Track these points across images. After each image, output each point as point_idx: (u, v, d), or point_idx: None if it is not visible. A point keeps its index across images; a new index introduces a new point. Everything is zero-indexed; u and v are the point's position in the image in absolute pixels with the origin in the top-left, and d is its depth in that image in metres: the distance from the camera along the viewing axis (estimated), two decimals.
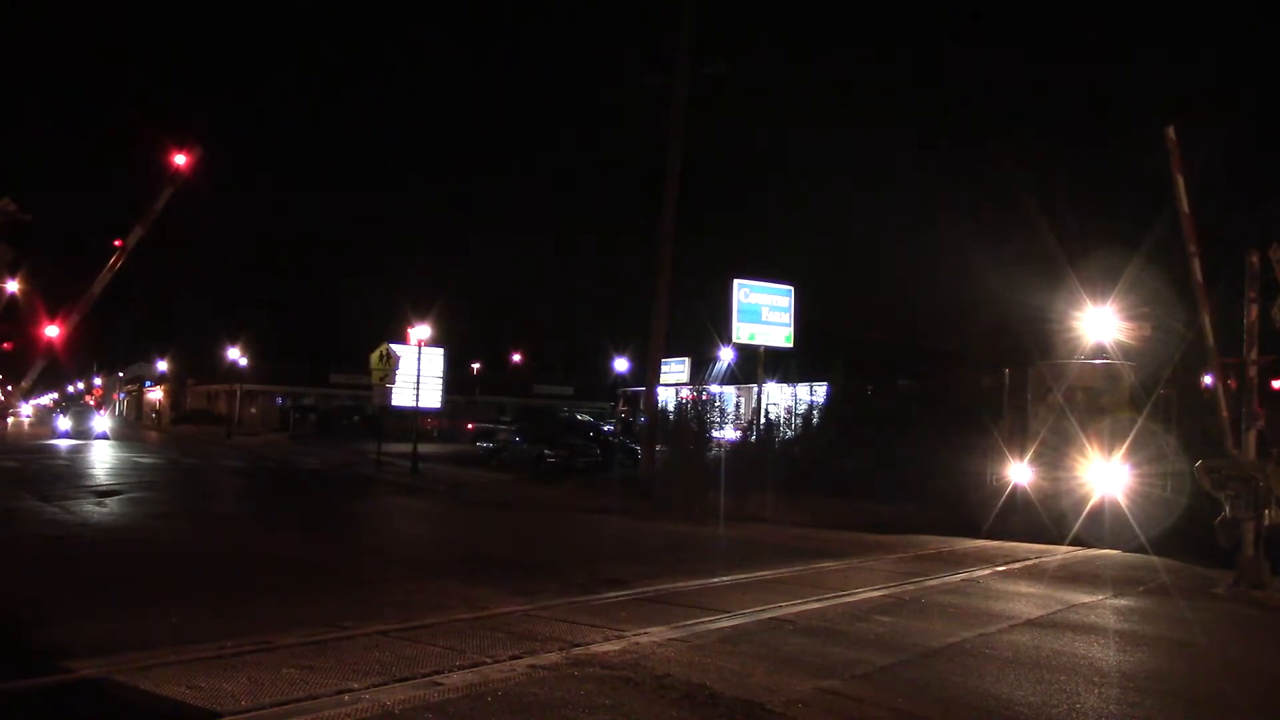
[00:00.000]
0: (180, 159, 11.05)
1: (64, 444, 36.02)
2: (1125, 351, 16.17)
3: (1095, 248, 19.05)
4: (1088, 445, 16.18)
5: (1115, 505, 15.47)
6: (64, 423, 41.20)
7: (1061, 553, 14.40)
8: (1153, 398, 16.15)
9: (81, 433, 39.70)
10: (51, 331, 11.38)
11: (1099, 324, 15.83)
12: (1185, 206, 12.04)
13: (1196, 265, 11.97)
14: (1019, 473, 16.87)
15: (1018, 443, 17.29)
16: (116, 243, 11.27)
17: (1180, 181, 12.03)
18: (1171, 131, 12.06)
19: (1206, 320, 12.03)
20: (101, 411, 48.98)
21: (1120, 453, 15.81)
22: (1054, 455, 16.50)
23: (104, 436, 39.65)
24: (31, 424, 63.52)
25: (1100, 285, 15.95)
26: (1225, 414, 11.98)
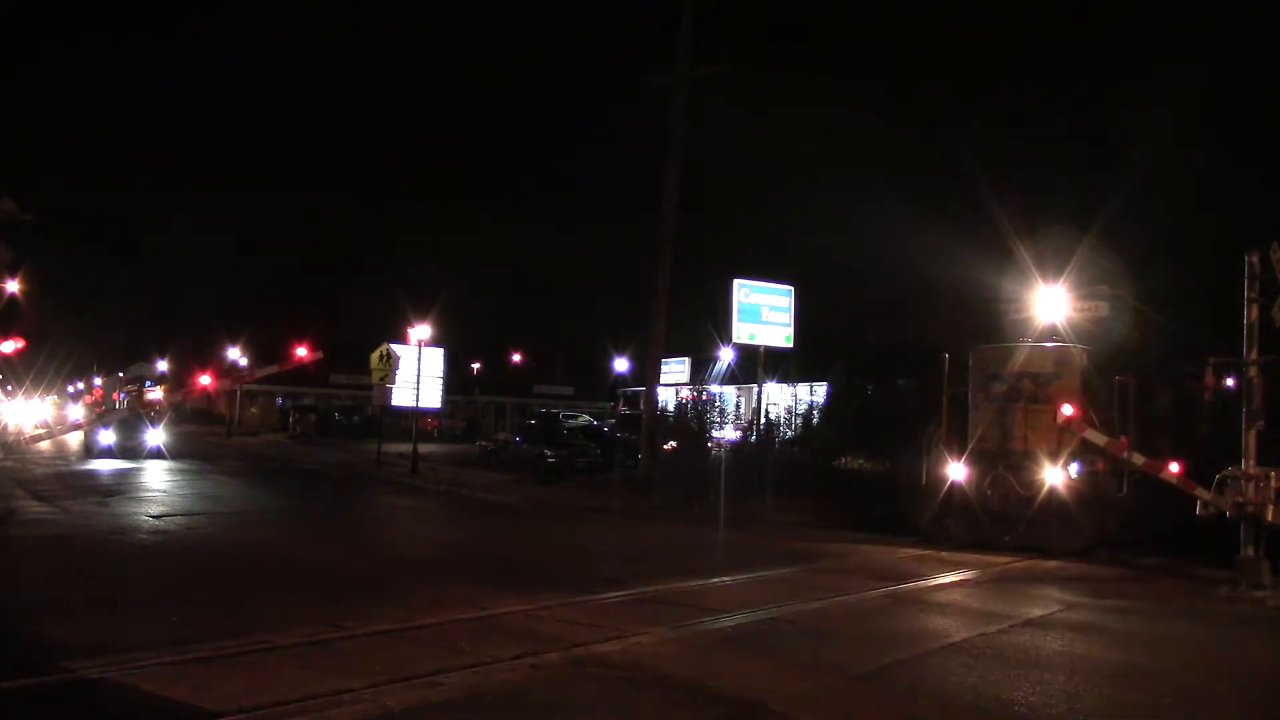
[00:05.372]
0: (301, 351, 13.87)
1: (108, 466, 26.10)
2: (1079, 334, 14.22)
3: (1049, 224, 17.42)
4: (1034, 438, 14.32)
5: (1066, 505, 13.91)
6: (106, 436, 31.62)
7: (1052, 559, 14.05)
8: (1109, 385, 14.57)
9: (130, 450, 30.61)
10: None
11: (1049, 303, 13.79)
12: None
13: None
14: (956, 470, 14.90)
15: (957, 437, 15.33)
16: (206, 384, 12.51)
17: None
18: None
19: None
20: (155, 423, 39.83)
21: (1071, 448, 13.95)
22: (997, 450, 14.61)
23: (159, 453, 31.07)
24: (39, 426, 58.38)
25: (1052, 262, 14.27)
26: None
